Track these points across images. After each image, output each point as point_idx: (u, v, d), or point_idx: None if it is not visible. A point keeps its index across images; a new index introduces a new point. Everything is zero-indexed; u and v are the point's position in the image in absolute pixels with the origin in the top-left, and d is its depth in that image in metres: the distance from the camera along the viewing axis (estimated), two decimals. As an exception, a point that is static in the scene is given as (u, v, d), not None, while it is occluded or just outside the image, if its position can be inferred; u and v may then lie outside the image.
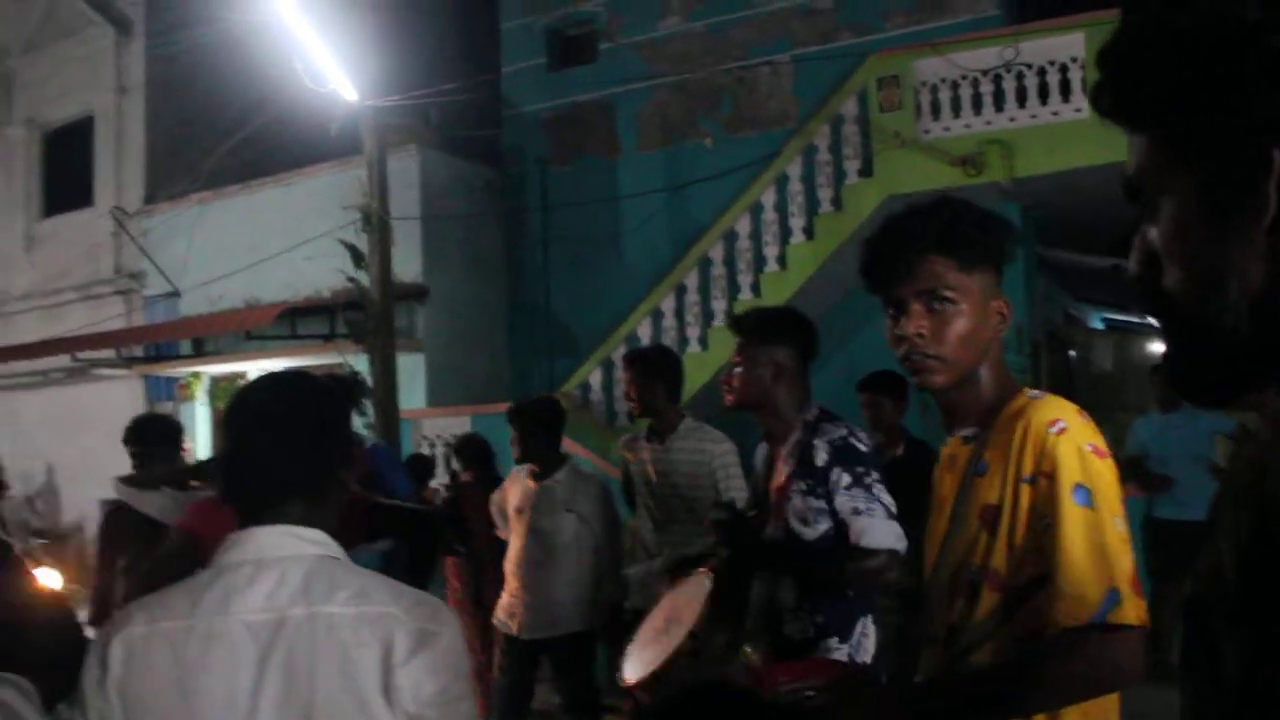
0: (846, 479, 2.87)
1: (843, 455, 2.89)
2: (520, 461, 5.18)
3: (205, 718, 1.52)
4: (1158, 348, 13.48)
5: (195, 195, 13.41)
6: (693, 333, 10.97)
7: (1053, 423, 1.74)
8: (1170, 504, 7.05)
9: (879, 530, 2.82)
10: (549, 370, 12.49)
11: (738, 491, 4.75)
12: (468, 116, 12.31)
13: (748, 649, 2.80)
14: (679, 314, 11.09)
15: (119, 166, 14.60)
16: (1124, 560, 1.67)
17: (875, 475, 2.89)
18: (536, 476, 5.11)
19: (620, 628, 5.20)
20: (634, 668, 2.93)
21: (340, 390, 2.08)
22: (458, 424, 11.02)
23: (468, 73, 12.01)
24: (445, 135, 12.30)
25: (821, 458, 2.91)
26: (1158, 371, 7.31)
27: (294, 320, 11.84)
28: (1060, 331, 11.85)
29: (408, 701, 1.53)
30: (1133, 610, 1.65)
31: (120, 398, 13.94)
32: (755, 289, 10.66)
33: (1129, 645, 1.65)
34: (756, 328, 3.14)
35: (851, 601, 2.97)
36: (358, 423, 9.87)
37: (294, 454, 1.68)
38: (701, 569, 3.00)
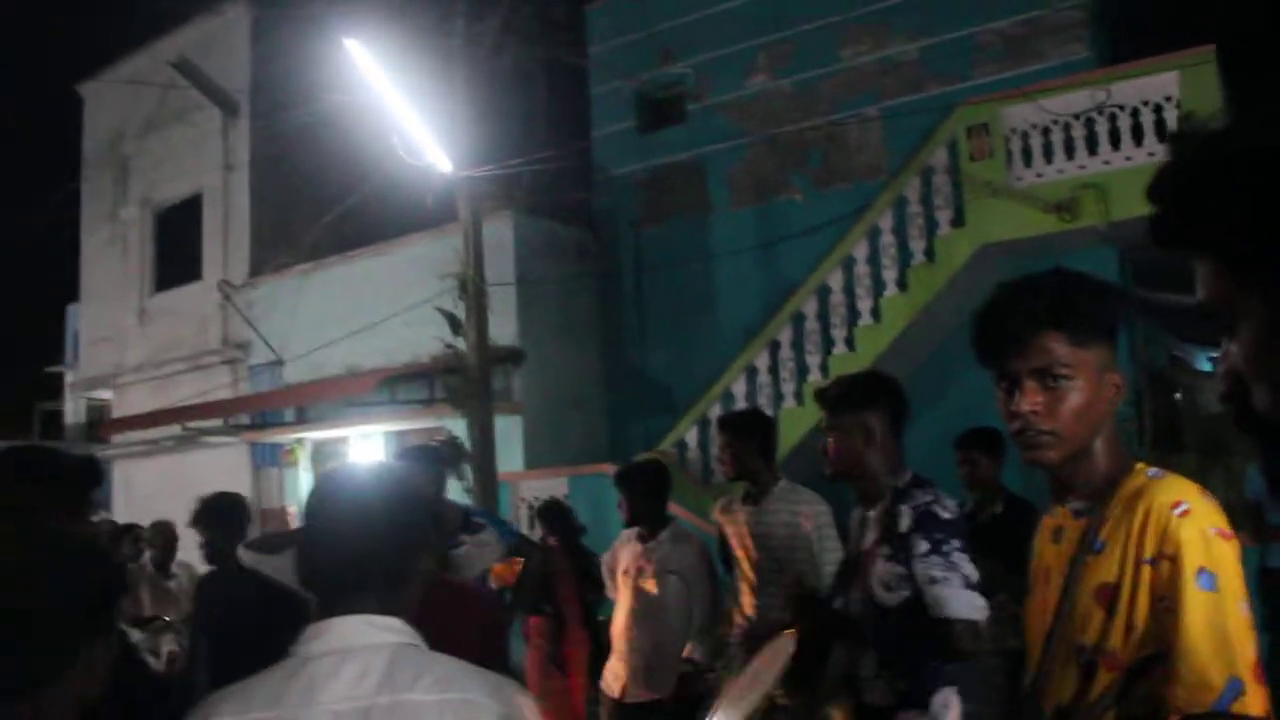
0: (925, 546, 2.84)
1: (924, 522, 2.87)
2: (629, 524, 5.20)
3: None
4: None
5: (298, 267, 13.85)
6: (788, 388, 10.94)
7: (1176, 504, 1.72)
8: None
9: (955, 601, 2.77)
10: (644, 430, 12.52)
11: (832, 553, 4.72)
12: (560, 181, 12.52)
13: (830, 711, 2.79)
14: (773, 370, 11.07)
15: (226, 241, 15.15)
16: (1247, 648, 1.63)
17: (956, 544, 2.84)
18: (642, 538, 5.15)
19: (688, 689, 5.21)
20: None
21: (422, 476, 2.08)
22: (554, 486, 11.11)
23: (560, 138, 12.25)
24: (538, 200, 12.52)
25: (905, 524, 2.90)
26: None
27: (394, 386, 12.08)
28: (1165, 374, 11.53)
29: None
30: (1256, 700, 1.61)
31: (229, 464, 14.35)
32: (849, 343, 10.61)
33: None
34: (844, 396, 3.13)
35: (935, 672, 2.92)
36: (457, 486, 10.03)
37: (373, 545, 1.71)
38: (787, 632, 2.99)
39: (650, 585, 5.04)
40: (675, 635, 5.07)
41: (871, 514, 3.06)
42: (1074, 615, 1.83)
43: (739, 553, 4.82)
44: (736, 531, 4.83)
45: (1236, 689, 1.60)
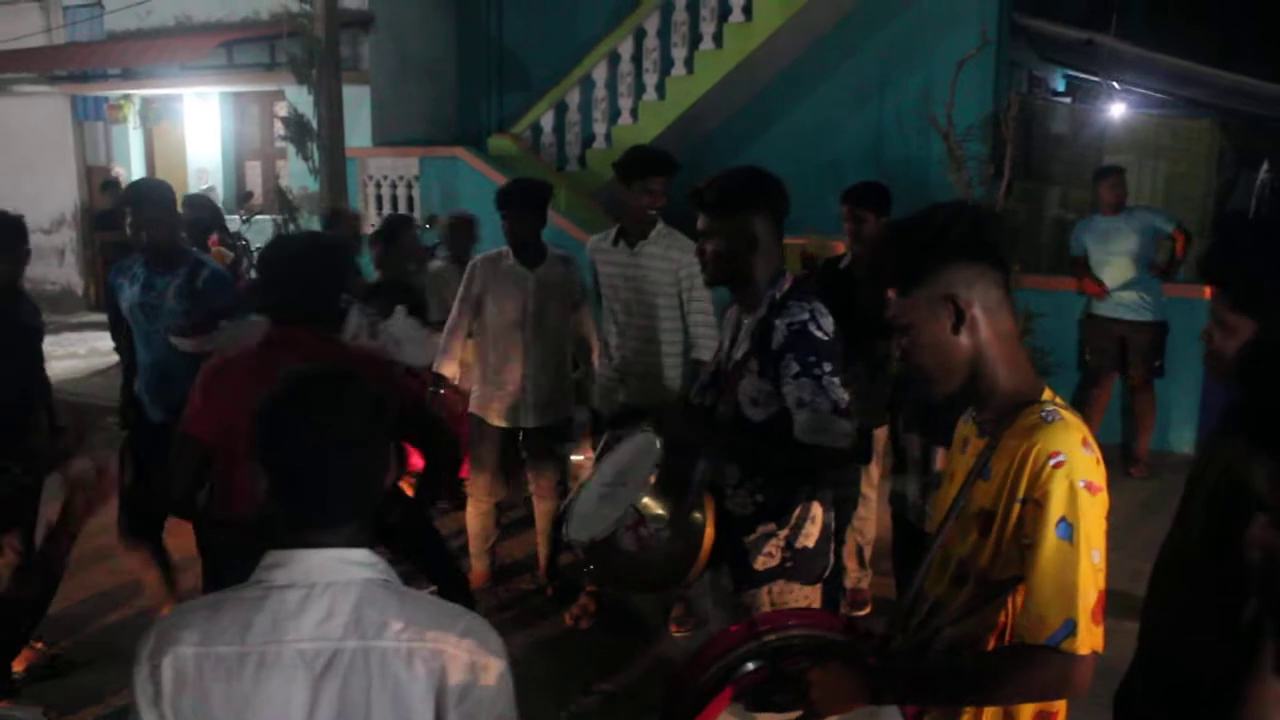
0: (795, 367, 2.73)
1: (797, 341, 2.74)
2: (513, 246, 4.99)
3: None
4: (1112, 112, 13.36)
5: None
6: (650, 79, 10.60)
7: (1054, 454, 1.83)
8: (1109, 303, 7.23)
9: (821, 425, 2.70)
10: (498, 109, 12.08)
11: (700, 302, 4.67)
12: None
13: (697, 515, 2.76)
14: (636, 59, 10.67)
15: None
16: (1090, 593, 1.81)
17: (828, 367, 2.73)
18: (523, 263, 4.98)
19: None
20: (578, 528, 2.87)
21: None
22: (404, 166, 10.74)
23: None
24: None
25: (778, 340, 2.77)
26: (1102, 179, 7.35)
27: (231, 49, 11.22)
28: (1025, 99, 11.62)
29: None
30: (1086, 641, 1.81)
31: (46, 115, 13.38)
32: (718, 39, 10.27)
33: (1078, 669, 1.82)
34: (725, 198, 2.91)
35: (798, 485, 2.90)
36: (304, 167, 9.58)
37: (356, 481, 1.65)
38: (650, 428, 2.92)
39: (533, 310, 4.96)
40: (560, 360, 5.12)
41: (746, 321, 2.94)
42: (958, 529, 1.99)
43: (608, 291, 4.76)
44: (607, 270, 4.76)
45: (1069, 629, 1.79)
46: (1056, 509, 1.80)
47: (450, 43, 12.18)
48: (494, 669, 1.62)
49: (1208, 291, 2.17)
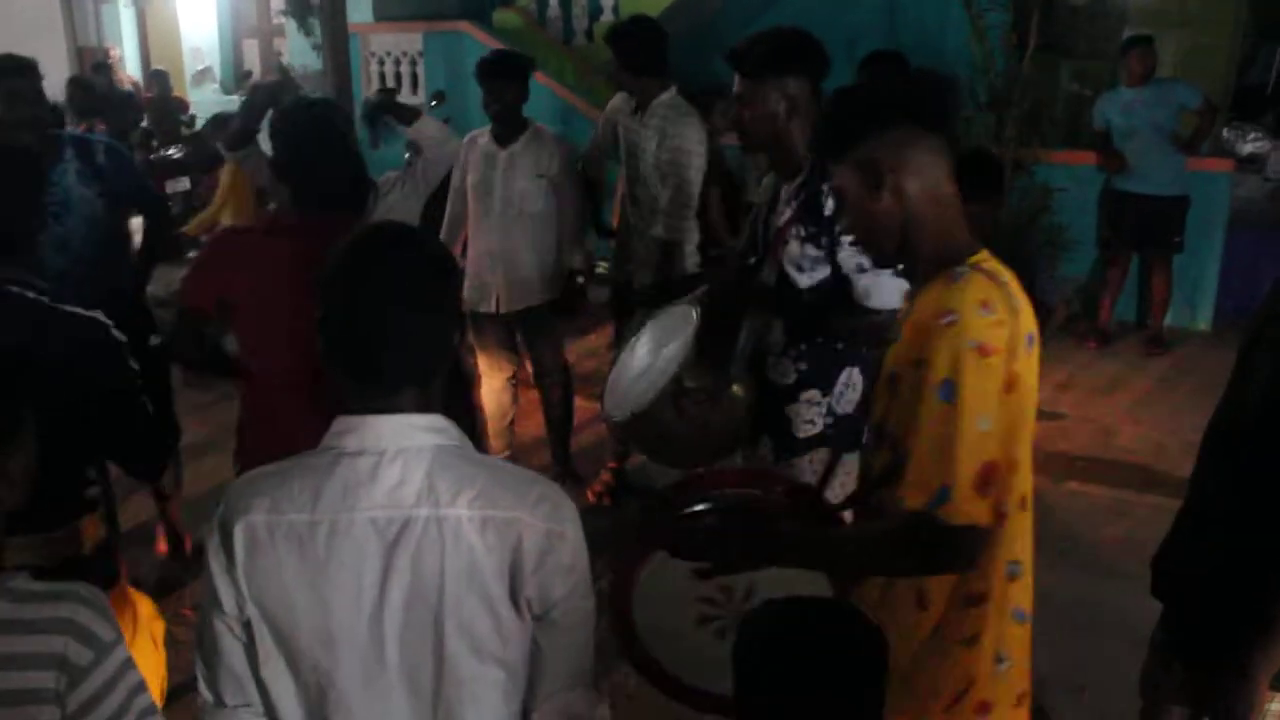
0: None
1: None
2: (498, 123, 4.86)
3: (336, 614, 1.52)
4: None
5: None
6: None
7: (945, 314, 1.77)
8: (1130, 178, 7.11)
9: (885, 289, 2.67)
10: (502, -21, 11.72)
11: (696, 171, 4.57)
12: None
13: (737, 388, 2.74)
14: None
15: None
16: (970, 460, 1.73)
17: None
18: (501, 141, 4.86)
19: (574, 296, 5.19)
20: (616, 403, 2.85)
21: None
22: (408, 42, 10.48)
23: None
24: None
25: (830, 206, 2.71)
26: (1131, 48, 7.17)
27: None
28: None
29: (535, 605, 1.57)
30: (963, 510, 1.73)
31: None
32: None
33: (957, 539, 1.75)
34: (765, 59, 2.83)
35: (839, 352, 2.87)
36: (306, 44, 9.32)
37: (423, 342, 1.58)
38: (689, 298, 2.88)
39: (516, 191, 4.83)
40: (550, 242, 4.97)
41: (787, 187, 2.87)
42: (875, 393, 2.01)
43: (623, 159, 4.69)
44: (623, 143, 4.68)
45: (944, 496, 1.72)
46: (939, 370, 1.74)
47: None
48: (569, 537, 1.59)
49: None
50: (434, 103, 9.30)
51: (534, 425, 5.71)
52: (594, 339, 7.26)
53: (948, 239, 1.90)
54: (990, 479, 1.76)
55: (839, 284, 2.76)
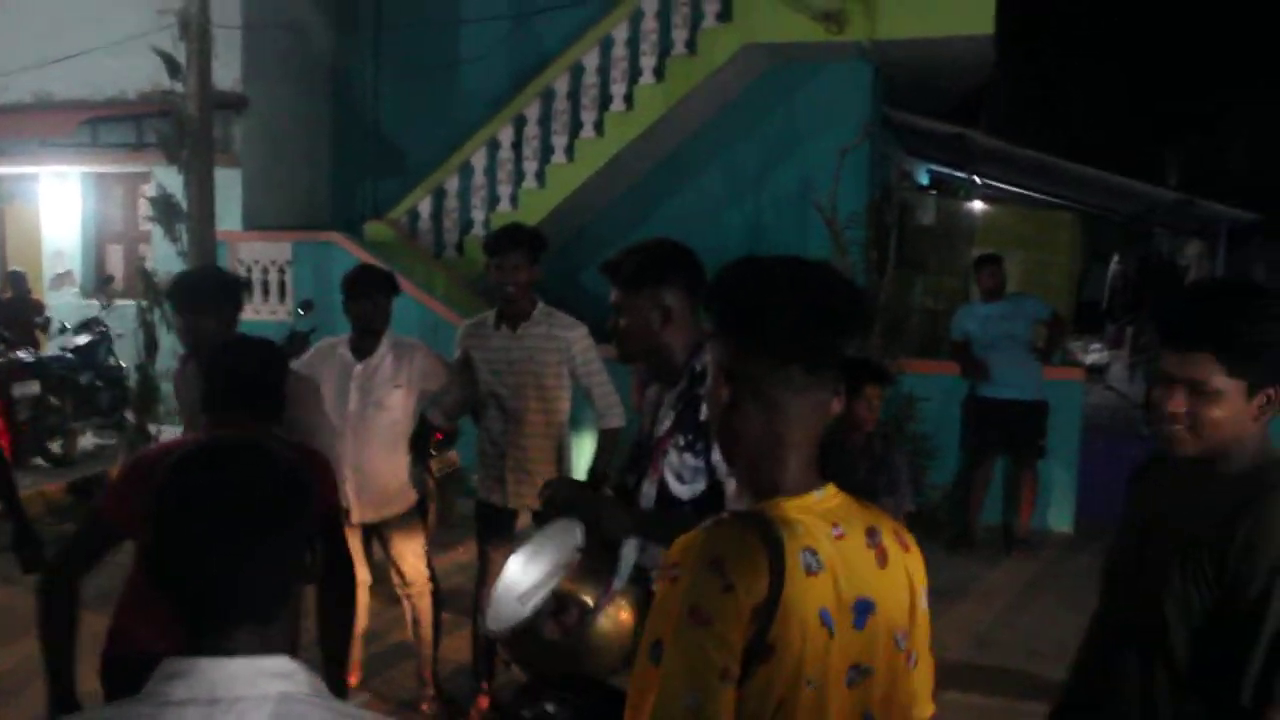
0: None
1: None
2: (359, 335, 4.81)
3: None
4: (974, 205, 13.89)
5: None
6: (529, 167, 10.58)
7: (670, 565, 1.60)
8: (993, 385, 7.42)
9: None
10: (373, 195, 11.90)
11: (599, 375, 4.63)
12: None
13: (623, 606, 2.65)
14: (517, 146, 10.65)
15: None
16: None
17: None
18: (358, 353, 4.80)
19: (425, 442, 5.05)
20: (497, 619, 2.74)
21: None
22: (277, 250, 10.45)
23: None
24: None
25: (706, 412, 2.66)
26: (982, 266, 7.64)
27: (95, 126, 10.83)
28: (893, 189, 12.04)
29: None
30: None
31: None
32: (599, 127, 10.32)
33: None
34: (638, 271, 2.84)
35: None
36: (171, 250, 9.21)
37: (263, 576, 1.40)
38: (573, 515, 2.81)
39: (373, 401, 4.75)
40: (403, 450, 4.88)
41: (668, 397, 2.85)
42: None
43: (488, 376, 4.66)
44: (487, 355, 4.67)
45: None
46: (654, 628, 1.55)
47: (325, 126, 12.00)
48: None
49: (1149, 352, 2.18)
50: (301, 311, 9.24)
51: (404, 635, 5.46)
52: (461, 553, 7.07)
53: (760, 467, 1.69)
54: None
55: (715, 490, 2.69)
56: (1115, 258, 13.79)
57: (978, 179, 12.74)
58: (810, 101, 10.07)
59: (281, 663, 1.39)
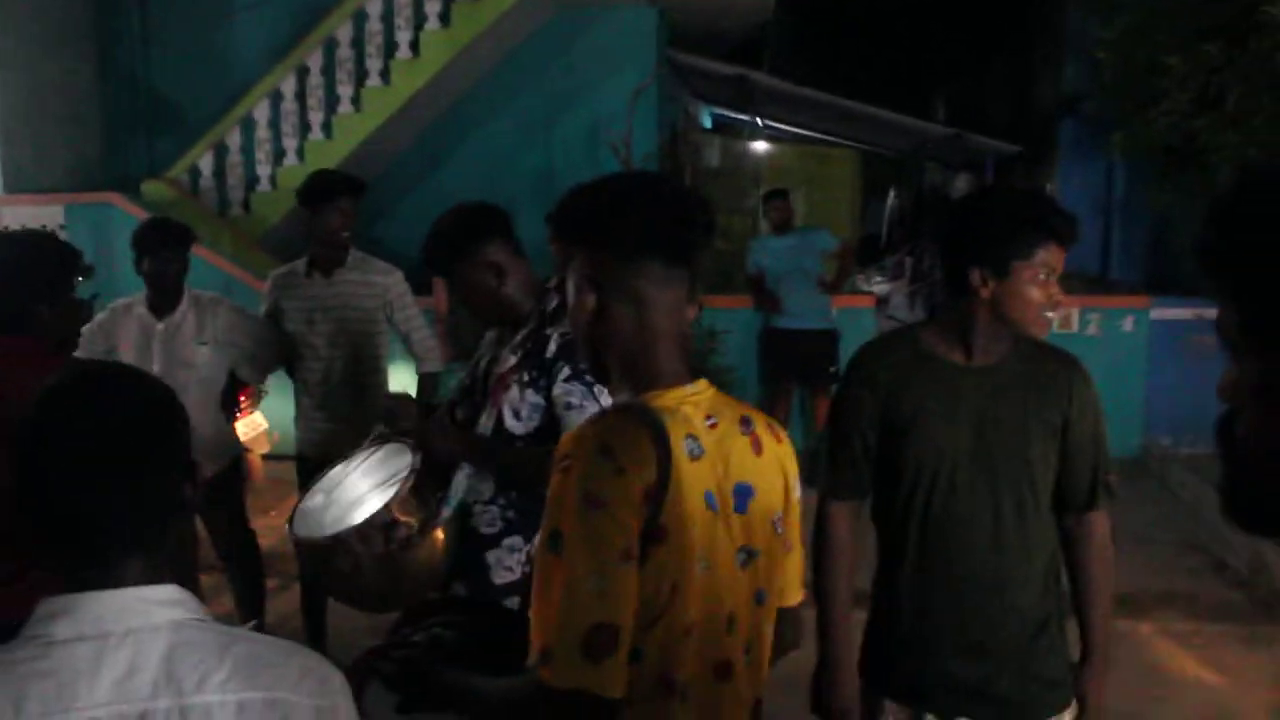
0: (567, 371, 2.73)
1: (570, 349, 2.74)
2: (157, 293, 4.58)
3: None
4: (758, 146, 14.29)
5: None
6: (315, 118, 10.30)
7: (562, 457, 1.65)
8: (785, 316, 7.76)
9: None
10: (149, 153, 11.33)
11: (416, 319, 4.65)
12: None
13: (440, 533, 2.68)
14: (300, 97, 10.34)
15: None
16: (574, 623, 1.54)
17: None
18: (158, 311, 4.59)
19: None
20: (308, 524, 2.73)
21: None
22: (48, 215, 9.84)
23: None
24: None
25: (551, 349, 2.78)
26: (770, 200, 7.93)
27: None
28: (680, 131, 12.25)
29: None
30: (568, 675, 1.54)
31: None
32: (385, 75, 10.13)
33: (563, 707, 1.55)
34: (454, 247, 2.97)
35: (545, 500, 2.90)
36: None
37: (134, 499, 1.34)
38: (409, 440, 2.84)
39: (179, 361, 4.54)
40: (214, 408, 4.71)
41: (514, 338, 2.94)
42: None
43: (302, 325, 4.59)
44: (299, 304, 4.60)
45: (547, 656, 1.56)
46: (550, 518, 1.60)
47: (91, 82, 11.32)
48: (343, 712, 1.38)
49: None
50: (80, 278, 8.76)
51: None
52: (274, 517, 6.92)
53: (635, 364, 1.74)
54: (605, 644, 1.53)
55: (552, 425, 2.77)
56: (892, 192, 14.45)
57: (760, 120, 13.09)
58: (597, 46, 10.15)
59: (170, 590, 1.35)
